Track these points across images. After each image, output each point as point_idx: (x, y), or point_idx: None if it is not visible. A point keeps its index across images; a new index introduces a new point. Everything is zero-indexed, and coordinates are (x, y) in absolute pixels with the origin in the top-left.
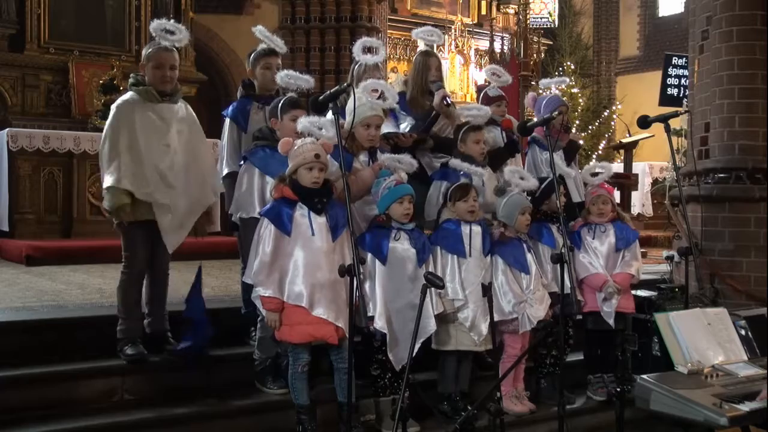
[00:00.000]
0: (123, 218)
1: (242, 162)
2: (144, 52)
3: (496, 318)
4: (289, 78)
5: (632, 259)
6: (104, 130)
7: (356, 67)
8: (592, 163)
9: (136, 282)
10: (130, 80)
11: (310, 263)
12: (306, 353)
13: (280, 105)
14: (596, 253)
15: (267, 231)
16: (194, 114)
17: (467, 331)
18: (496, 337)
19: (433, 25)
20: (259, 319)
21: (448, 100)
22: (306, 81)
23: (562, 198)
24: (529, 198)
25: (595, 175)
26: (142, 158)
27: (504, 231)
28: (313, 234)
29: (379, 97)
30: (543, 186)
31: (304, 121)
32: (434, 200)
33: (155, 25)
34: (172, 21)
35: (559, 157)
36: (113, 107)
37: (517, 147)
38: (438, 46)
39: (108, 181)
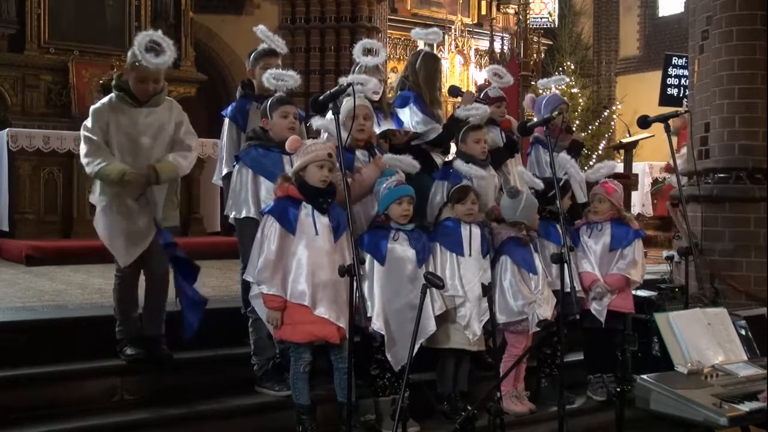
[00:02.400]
0: (131, 182)
1: (235, 162)
2: (128, 58)
3: (504, 319)
4: (274, 78)
5: (631, 260)
6: (82, 134)
7: (356, 69)
8: (598, 164)
9: (130, 284)
10: (113, 81)
11: (313, 263)
12: (308, 353)
13: (268, 104)
14: (590, 252)
15: (272, 229)
16: (182, 114)
17: (461, 329)
18: (498, 337)
19: (432, 25)
20: (249, 323)
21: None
22: (292, 78)
23: (566, 200)
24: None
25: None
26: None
27: (526, 232)
28: (317, 233)
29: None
30: (556, 187)
31: (320, 121)
32: (436, 201)
33: (140, 39)
34: (159, 32)
35: (566, 155)
36: (91, 110)
37: (517, 147)
38: (437, 46)
39: (97, 167)
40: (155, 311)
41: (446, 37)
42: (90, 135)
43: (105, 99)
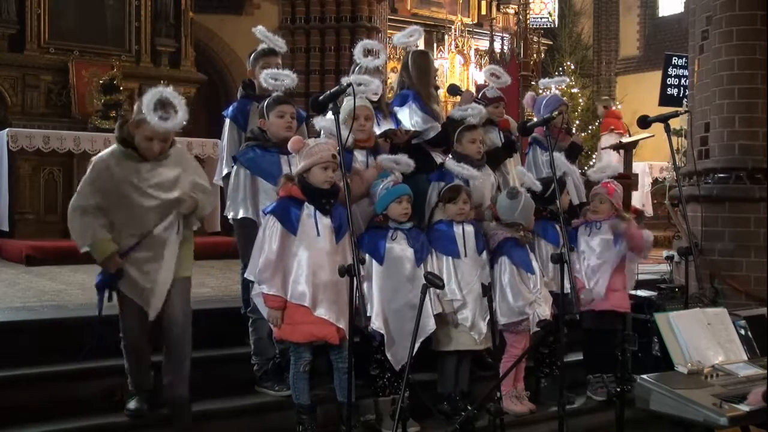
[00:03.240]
0: (113, 267)
1: (233, 163)
2: (135, 111)
3: (505, 320)
4: (272, 78)
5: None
6: (73, 200)
7: (356, 69)
8: (601, 164)
9: (137, 350)
10: (116, 132)
11: (314, 263)
12: (308, 353)
13: (265, 105)
14: (589, 250)
15: (273, 229)
16: (193, 162)
17: (467, 330)
18: (497, 337)
19: (432, 25)
20: (249, 323)
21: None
22: (289, 77)
23: (565, 198)
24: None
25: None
26: (116, 222)
27: (523, 234)
28: (318, 234)
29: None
30: (554, 185)
31: (323, 122)
32: (433, 202)
33: (150, 97)
34: (170, 88)
35: (562, 157)
36: (92, 162)
37: (515, 147)
38: (438, 45)
39: (87, 239)
40: (177, 365)
41: (446, 37)
42: (81, 203)
43: (107, 151)
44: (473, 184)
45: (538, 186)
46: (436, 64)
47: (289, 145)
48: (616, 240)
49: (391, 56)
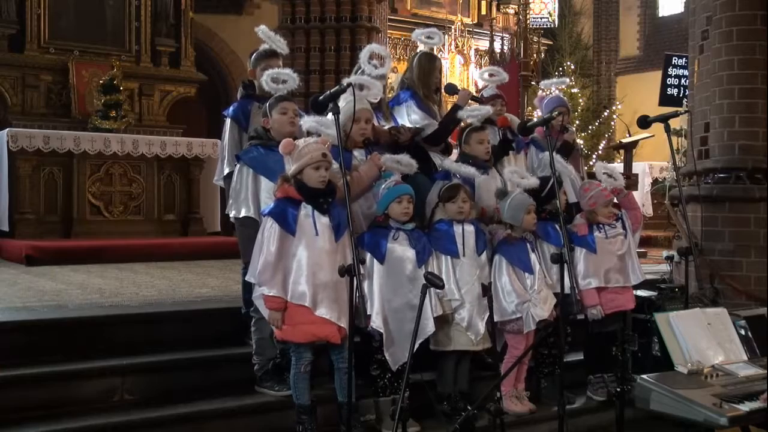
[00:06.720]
0: None
1: (236, 162)
2: None
3: (498, 318)
4: (273, 80)
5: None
6: None
7: (359, 73)
8: (610, 164)
9: None
10: None
11: (314, 263)
12: (309, 353)
13: (268, 104)
14: (611, 254)
15: (271, 230)
16: None
17: (464, 330)
18: (499, 337)
19: (432, 25)
20: (252, 322)
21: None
22: (290, 77)
23: (563, 197)
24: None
25: (609, 176)
26: None
27: (511, 232)
28: (317, 234)
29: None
30: (549, 185)
31: (309, 121)
32: (434, 202)
33: None
34: None
35: (559, 156)
36: None
37: (511, 145)
38: (438, 48)
39: None
40: None
41: (446, 37)
42: None
43: None
44: (477, 184)
45: (528, 182)
46: None
47: (281, 148)
48: (624, 224)
49: (391, 56)
